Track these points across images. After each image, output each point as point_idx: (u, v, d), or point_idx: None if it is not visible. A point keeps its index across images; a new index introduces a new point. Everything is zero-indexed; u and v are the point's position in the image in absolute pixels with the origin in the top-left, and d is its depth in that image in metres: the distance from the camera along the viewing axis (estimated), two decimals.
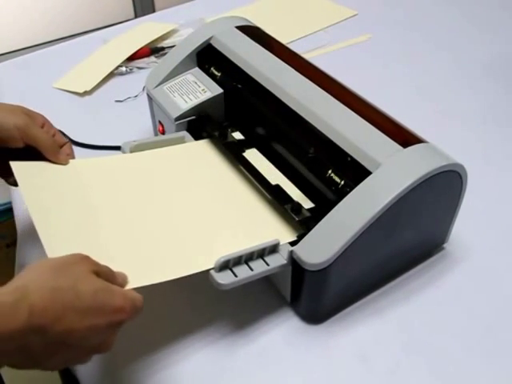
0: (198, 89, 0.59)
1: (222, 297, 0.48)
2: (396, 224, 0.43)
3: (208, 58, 0.60)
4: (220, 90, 0.58)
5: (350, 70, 0.81)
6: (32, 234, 0.58)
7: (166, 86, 0.60)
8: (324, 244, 0.41)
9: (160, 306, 0.48)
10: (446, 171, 0.43)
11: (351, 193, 0.42)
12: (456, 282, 0.51)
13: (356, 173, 0.44)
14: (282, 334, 0.46)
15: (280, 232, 0.45)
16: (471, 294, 0.50)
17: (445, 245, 0.54)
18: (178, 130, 0.57)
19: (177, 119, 0.56)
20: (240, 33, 0.60)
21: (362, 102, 0.50)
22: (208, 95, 0.58)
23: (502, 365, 0.44)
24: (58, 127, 0.69)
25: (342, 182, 0.45)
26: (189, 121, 0.57)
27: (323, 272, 0.41)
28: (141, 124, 0.69)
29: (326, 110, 0.48)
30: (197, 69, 0.61)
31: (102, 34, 0.90)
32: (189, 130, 0.57)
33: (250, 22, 0.64)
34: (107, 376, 0.45)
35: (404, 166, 0.41)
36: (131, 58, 0.82)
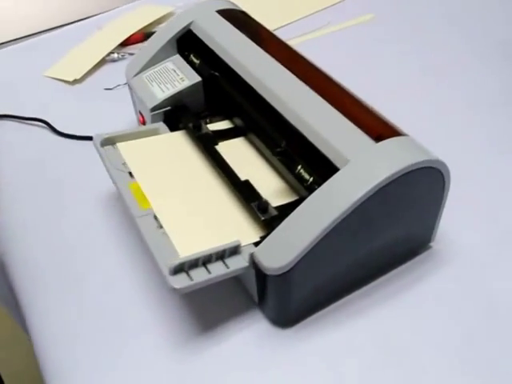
0: (177, 77, 0.56)
1: (189, 295, 0.47)
2: (367, 224, 0.40)
3: (188, 44, 0.58)
4: (198, 79, 0.55)
5: (352, 51, 0.78)
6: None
7: (145, 75, 0.58)
8: (284, 247, 0.38)
9: (120, 306, 0.47)
10: (422, 168, 0.39)
11: (315, 192, 0.39)
12: (440, 285, 0.47)
13: (325, 169, 0.41)
14: (251, 336, 0.44)
15: (245, 232, 0.43)
16: (456, 298, 0.46)
17: (432, 243, 0.50)
18: (154, 121, 0.55)
19: (153, 110, 0.54)
20: (220, 17, 0.57)
21: (343, 91, 0.47)
22: (186, 84, 0.55)
23: (479, 376, 0.41)
24: (47, 116, 0.69)
25: (311, 179, 0.42)
26: (165, 111, 0.54)
27: (285, 276, 0.39)
28: (128, 113, 0.67)
29: (299, 101, 0.45)
30: (177, 56, 0.59)
31: (98, 20, 0.89)
32: (166, 121, 0.55)
33: (234, 5, 0.61)
34: None
35: (373, 163, 0.38)
36: (124, 44, 0.80)
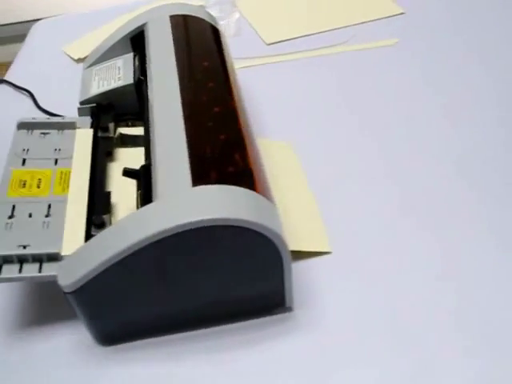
0: (116, 76, 0.57)
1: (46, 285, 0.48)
2: (166, 270, 0.38)
3: (137, 45, 0.58)
4: (130, 81, 0.56)
5: (368, 74, 0.72)
6: None
7: (96, 68, 0.60)
8: (73, 268, 0.38)
9: None
10: (230, 226, 0.35)
11: (117, 222, 0.38)
12: (281, 354, 0.43)
13: (148, 202, 0.39)
14: (65, 344, 0.44)
15: (75, 242, 0.43)
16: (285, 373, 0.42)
17: (294, 306, 0.46)
18: (81, 115, 0.56)
19: (82, 103, 0.56)
20: (168, 23, 0.56)
21: (223, 127, 0.44)
22: (119, 84, 0.56)
23: None
24: (42, 88, 0.75)
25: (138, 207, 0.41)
26: (91, 107, 0.56)
27: (75, 295, 0.38)
28: None
29: (163, 126, 0.43)
30: (130, 55, 0.60)
31: (136, 4, 0.93)
32: (93, 117, 0.57)
33: (203, 12, 0.60)
34: None
35: (170, 209, 0.36)
36: None
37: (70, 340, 0.45)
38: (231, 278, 0.40)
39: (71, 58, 0.80)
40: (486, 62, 0.72)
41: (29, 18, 1.32)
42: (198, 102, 0.45)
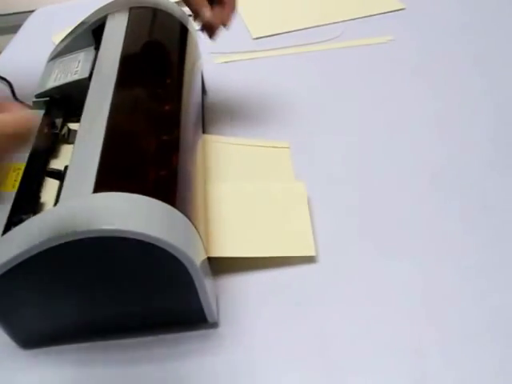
0: (74, 69, 0.56)
1: None
2: (60, 279, 0.36)
3: (99, 38, 0.56)
4: (85, 75, 0.54)
5: (357, 71, 0.68)
6: None
7: (59, 60, 0.59)
8: None
9: None
10: (118, 238, 0.32)
11: (21, 224, 0.36)
12: (192, 372, 0.40)
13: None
14: None
15: None
16: None
17: (221, 322, 0.43)
18: (35, 108, 0.55)
19: (37, 96, 0.55)
20: (125, 16, 0.54)
21: (150, 132, 0.41)
22: (74, 78, 0.54)
23: None
24: (24, 78, 0.75)
25: None
26: (45, 101, 0.55)
27: None
28: None
29: (86, 126, 0.41)
30: (93, 48, 0.58)
31: None
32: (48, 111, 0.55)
33: (163, 3, 0.57)
34: None
35: (54, 217, 0.33)
36: None
37: None
38: (136, 290, 0.37)
39: None
40: (486, 70, 0.66)
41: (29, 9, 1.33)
42: (131, 101, 0.43)
